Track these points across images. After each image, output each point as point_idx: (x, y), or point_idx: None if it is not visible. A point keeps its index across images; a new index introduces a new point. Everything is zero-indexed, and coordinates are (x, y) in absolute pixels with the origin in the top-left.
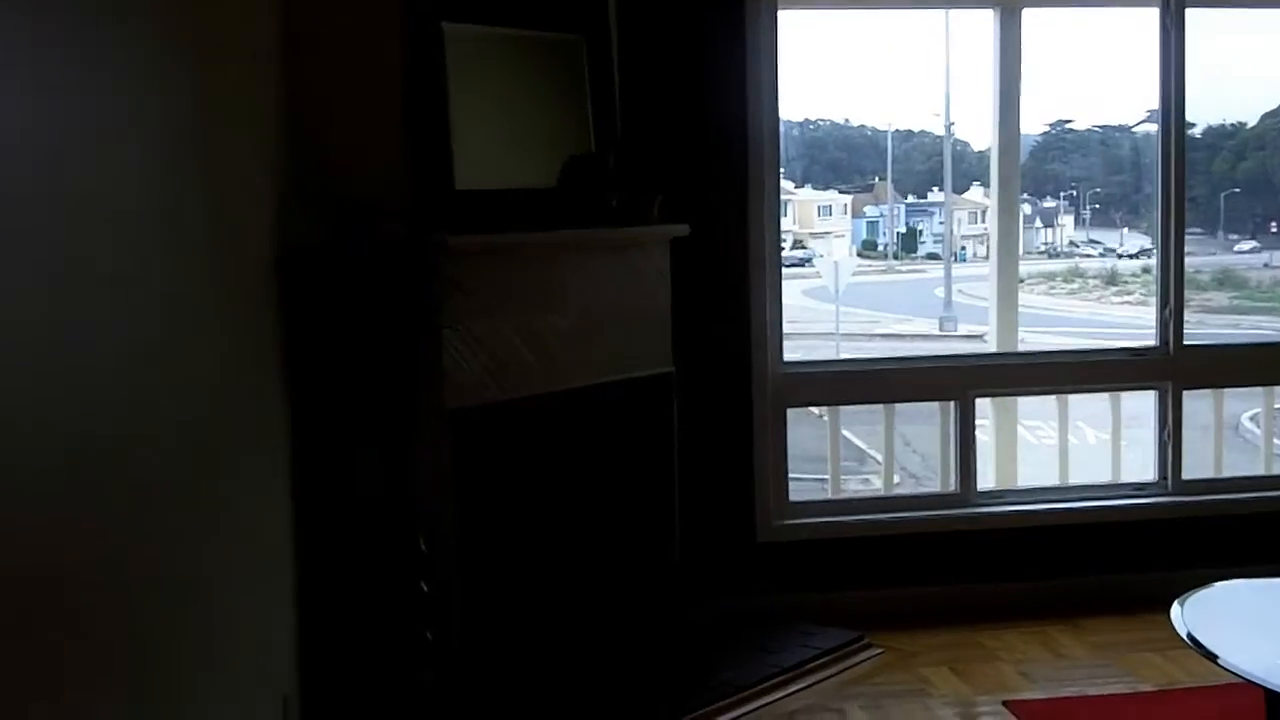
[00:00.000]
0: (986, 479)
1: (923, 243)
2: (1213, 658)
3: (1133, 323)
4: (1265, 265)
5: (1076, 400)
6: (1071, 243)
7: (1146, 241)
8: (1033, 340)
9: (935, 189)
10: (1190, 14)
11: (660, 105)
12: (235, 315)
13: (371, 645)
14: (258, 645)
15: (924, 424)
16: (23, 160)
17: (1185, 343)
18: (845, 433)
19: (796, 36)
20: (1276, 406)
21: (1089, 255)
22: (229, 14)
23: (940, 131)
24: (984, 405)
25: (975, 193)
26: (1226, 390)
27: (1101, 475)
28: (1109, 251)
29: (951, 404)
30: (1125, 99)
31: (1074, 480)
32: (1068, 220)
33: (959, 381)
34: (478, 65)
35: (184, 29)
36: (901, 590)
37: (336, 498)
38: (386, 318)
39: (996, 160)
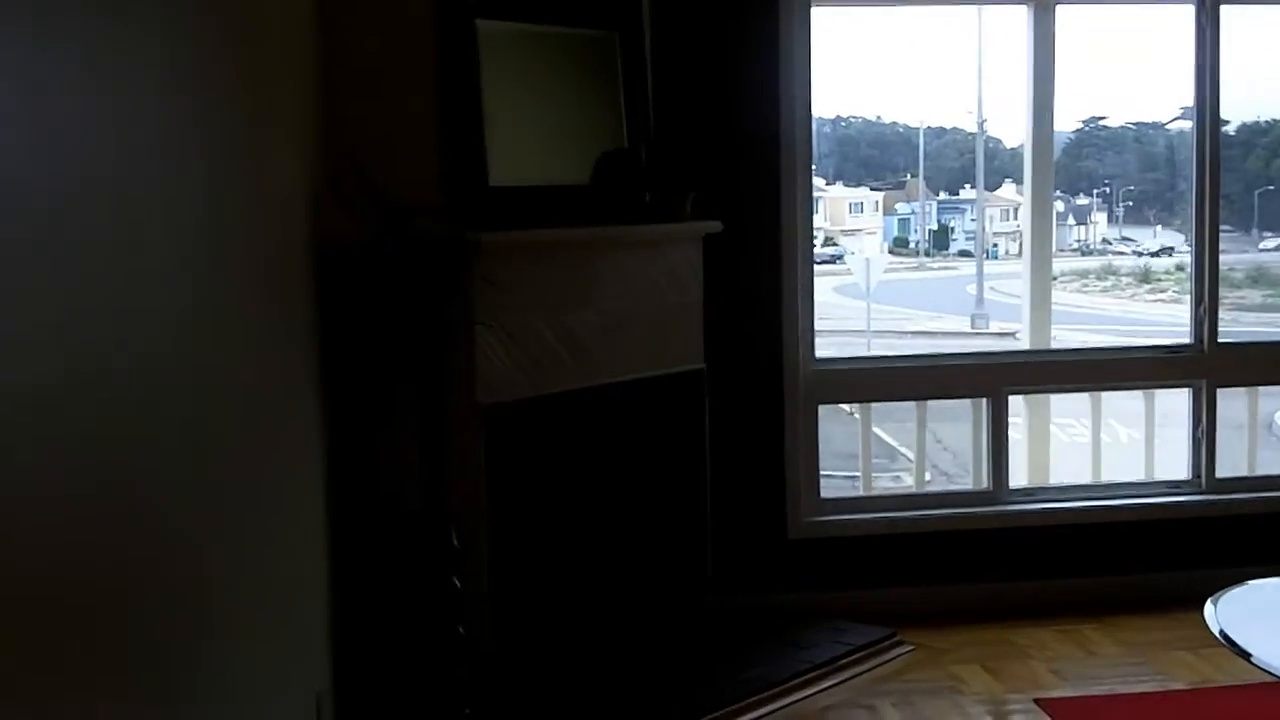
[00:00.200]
0: (1019, 477)
1: (954, 240)
2: (1246, 656)
3: (1166, 320)
4: None
5: (1108, 398)
6: (1104, 240)
7: (1175, 239)
8: (1065, 338)
9: (967, 186)
10: (1225, 10)
11: (693, 102)
12: (272, 312)
13: (404, 641)
14: (291, 641)
15: (955, 421)
16: (75, 159)
17: (1219, 340)
18: (876, 430)
19: (829, 33)
20: None
21: (1122, 253)
22: (267, 14)
23: (972, 128)
24: (1016, 403)
25: (1007, 190)
26: (1260, 388)
27: (1134, 473)
28: (1126, 246)
29: (985, 401)
30: (1159, 96)
31: (1107, 478)
32: (1101, 217)
33: (993, 378)
34: (511, 62)
35: (225, 30)
36: (933, 588)
37: (369, 493)
38: (421, 314)
39: (1030, 157)
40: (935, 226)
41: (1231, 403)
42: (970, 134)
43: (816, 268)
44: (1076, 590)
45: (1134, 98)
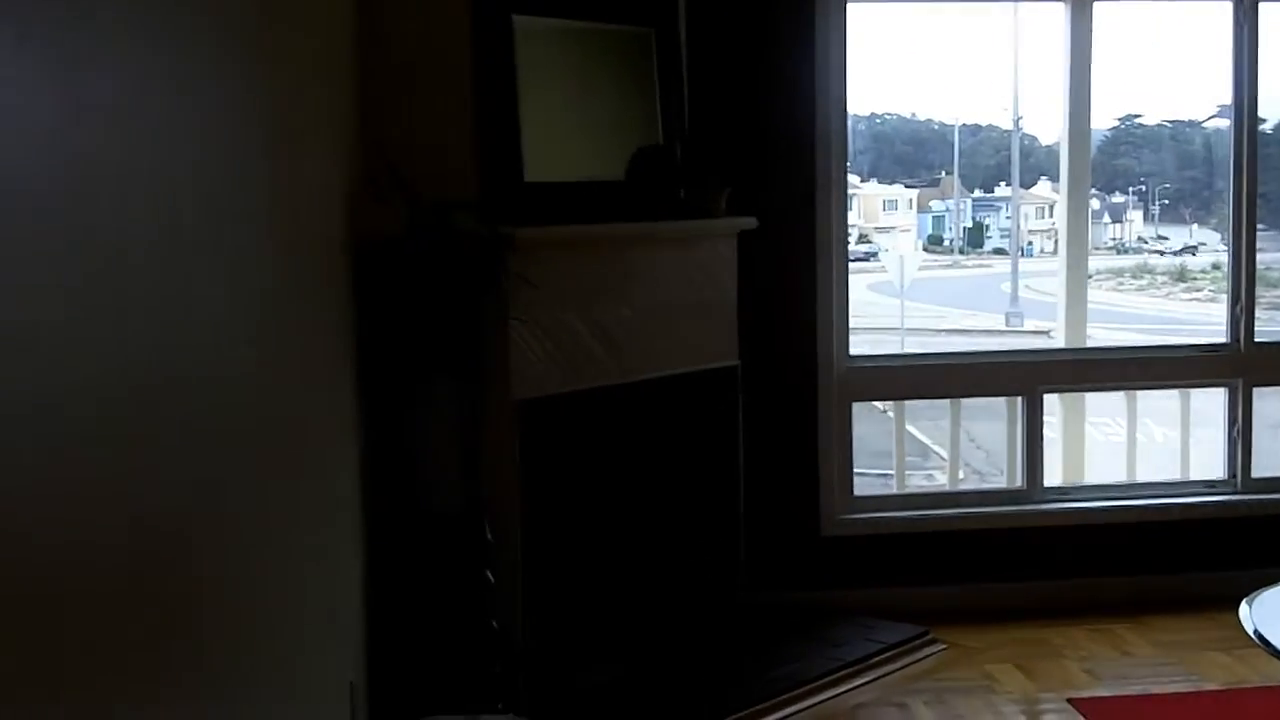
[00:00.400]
0: (1053, 475)
1: (989, 237)
2: None
3: (1201, 319)
4: None
5: (1143, 397)
6: (1140, 238)
7: (1211, 237)
8: (1100, 336)
9: (1002, 183)
10: (1264, 8)
11: (728, 98)
12: (309, 307)
13: (437, 634)
14: (325, 633)
15: (988, 420)
16: (116, 155)
17: (1256, 340)
18: (909, 428)
19: (865, 30)
20: None
21: (1158, 251)
22: (306, 10)
23: (1008, 125)
24: (1050, 401)
25: (1043, 187)
26: None
27: (1170, 473)
28: (1158, 245)
29: (1020, 399)
30: (1196, 93)
31: (1142, 478)
32: (1136, 215)
33: (1028, 377)
34: (547, 58)
35: (263, 26)
36: (966, 586)
37: (404, 488)
38: (456, 309)
39: (1066, 155)
40: (970, 224)
41: (1268, 402)
42: (1005, 131)
43: (850, 265)
44: (1110, 590)
45: (1170, 95)
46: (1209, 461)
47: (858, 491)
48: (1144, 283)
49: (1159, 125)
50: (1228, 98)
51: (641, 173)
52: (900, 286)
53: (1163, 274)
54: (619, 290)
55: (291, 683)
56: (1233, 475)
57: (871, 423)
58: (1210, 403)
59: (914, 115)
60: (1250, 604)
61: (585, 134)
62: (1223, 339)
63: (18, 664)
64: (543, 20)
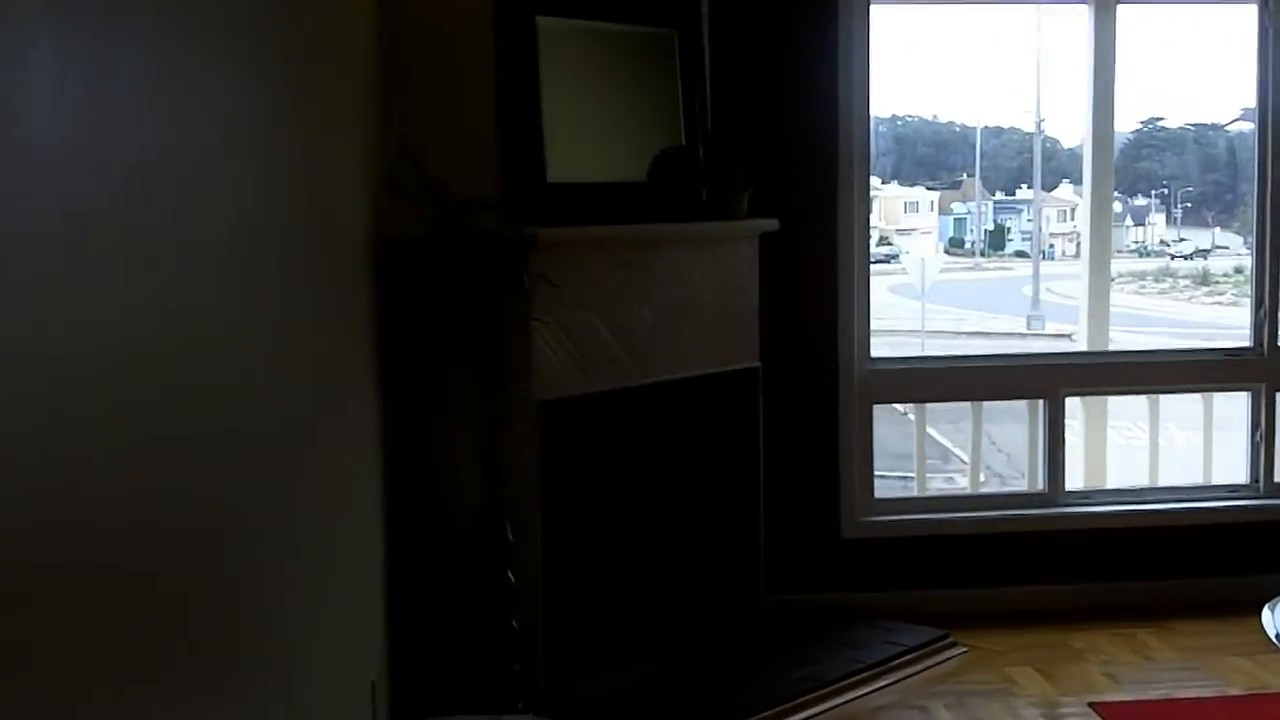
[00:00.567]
0: (1075, 479)
1: (1010, 240)
2: None
3: (1224, 323)
4: None
5: (1165, 400)
6: (1162, 241)
7: (1234, 241)
8: (1122, 340)
9: (1024, 186)
10: None
11: (751, 100)
12: (332, 306)
13: (458, 633)
14: (347, 630)
15: (1009, 423)
16: (141, 155)
17: (1279, 344)
18: (929, 431)
19: (887, 31)
20: None
21: (1169, 255)
22: (330, 15)
23: (1030, 128)
24: (1072, 405)
25: (1064, 190)
26: None
27: (1192, 477)
28: (1163, 250)
29: (1041, 403)
30: (1219, 96)
31: (1164, 482)
32: (1159, 219)
33: (1051, 380)
34: (571, 59)
35: (288, 26)
36: (987, 589)
37: (425, 486)
38: (478, 309)
39: (1089, 157)
40: (991, 226)
41: None
42: (1028, 134)
43: (871, 267)
44: (1132, 594)
45: (1193, 98)
46: (1232, 466)
47: (878, 494)
48: (1166, 286)
49: (1182, 128)
50: (1251, 100)
51: (664, 174)
52: (921, 289)
53: (1185, 277)
54: (641, 291)
55: (314, 682)
56: (1255, 480)
57: (892, 425)
58: (1233, 407)
59: (936, 117)
60: (1273, 609)
61: (608, 135)
62: (1246, 343)
63: (37, 665)
64: (566, 21)
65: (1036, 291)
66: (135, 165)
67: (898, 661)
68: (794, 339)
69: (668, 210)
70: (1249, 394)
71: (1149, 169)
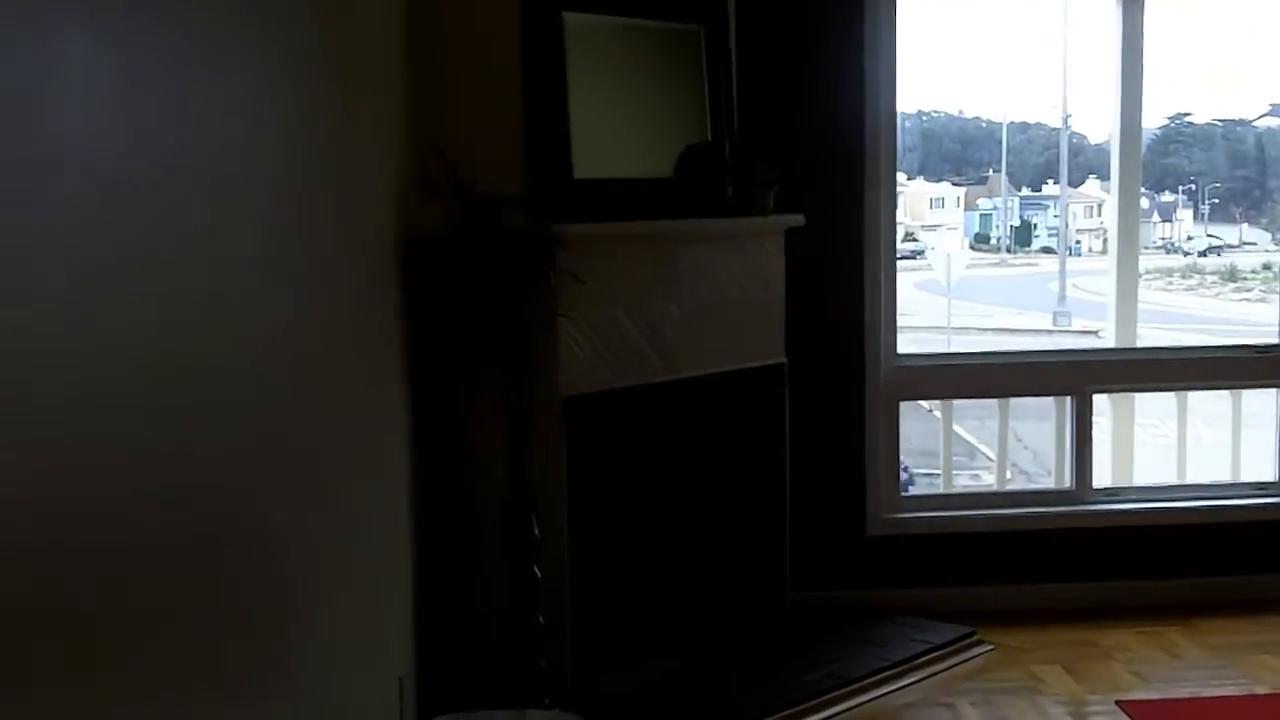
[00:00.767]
0: (1102, 476)
1: (1036, 236)
2: None
3: (1252, 320)
4: None
5: (1192, 397)
6: (1189, 238)
7: (1261, 237)
8: (1149, 336)
9: (1050, 182)
10: None
11: (777, 95)
12: (362, 302)
13: (485, 628)
14: (375, 627)
15: (1035, 420)
16: (172, 152)
17: None
18: (955, 427)
19: (913, 26)
20: None
21: (1182, 251)
22: (361, 13)
23: (1056, 123)
24: (1099, 402)
25: (1091, 186)
26: None
27: (1219, 474)
28: (1174, 245)
29: (1069, 399)
30: (1247, 91)
31: (1192, 479)
32: (1186, 215)
33: (1078, 377)
34: (597, 55)
35: (318, 24)
36: (1013, 587)
37: (452, 482)
38: (504, 305)
39: (1117, 152)
40: (1017, 222)
41: None
42: (1054, 129)
43: (897, 263)
44: (1159, 591)
45: (1221, 93)
46: (1260, 463)
47: (904, 491)
48: (1193, 282)
49: (1209, 124)
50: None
51: (690, 170)
52: (947, 285)
53: (1212, 274)
54: (667, 287)
55: (345, 679)
56: None
57: (915, 421)
58: (1261, 404)
59: (961, 113)
60: None
61: (634, 131)
62: (1274, 339)
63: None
64: (592, 17)
65: (1063, 288)
66: (166, 160)
67: (923, 659)
68: (820, 335)
69: (694, 206)
70: (1278, 391)
71: (1176, 165)
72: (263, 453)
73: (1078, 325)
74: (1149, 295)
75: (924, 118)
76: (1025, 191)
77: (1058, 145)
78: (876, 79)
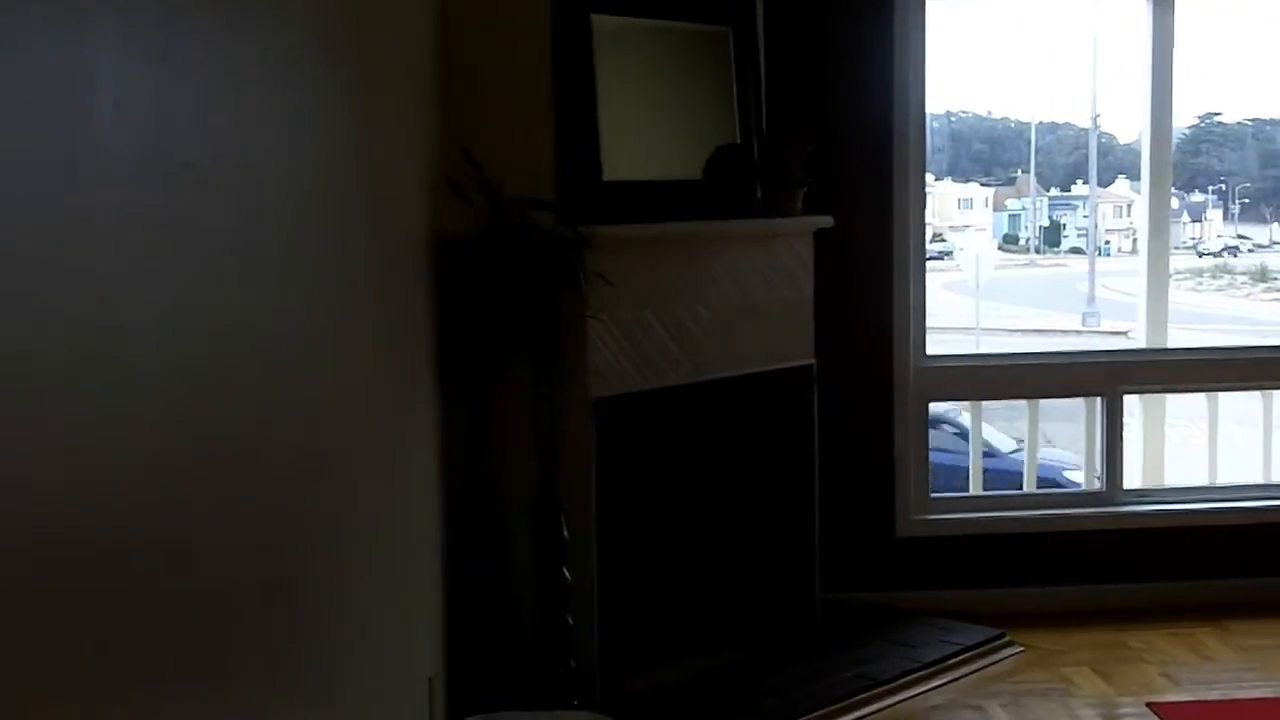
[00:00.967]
0: (1132, 477)
1: (1065, 236)
2: None
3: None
4: None
5: (1223, 398)
6: (1217, 235)
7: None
8: (1178, 336)
9: (1079, 182)
10: None
11: (806, 97)
12: (392, 304)
13: (514, 630)
14: (405, 629)
15: (1063, 420)
16: (205, 152)
17: None
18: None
19: (942, 27)
20: None
21: (1206, 253)
22: (388, 8)
23: (1085, 123)
24: (1129, 403)
25: (1120, 186)
26: None
27: (1250, 475)
28: (1190, 245)
29: (1099, 400)
30: (1277, 91)
31: (1223, 480)
32: (1215, 215)
33: (1109, 377)
34: (625, 57)
35: (347, 25)
36: (1043, 589)
37: (482, 483)
38: (534, 306)
39: (1148, 152)
40: (1046, 223)
41: None
42: (1083, 129)
43: (926, 264)
44: (1190, 593)
45: (1251, 93)
46: None
47: (934, 492)
48: (1223, 283)
49: (1240, 123)
50: None
51: (719, 172)
52: (976, 286)
53: (1242, 274)
54: (695, 289)
55: (376, 680)
56: None
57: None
58: None
59: (990, 113)
60: None
61: (663, 133)
62: None
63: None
64: (622, 19)
65: (1092, 288)
66: (201, 165)
67: (953, 661)
68: (849, 336)
69: (723, 208)
70: None
71: (1206, 164)
72: (302, 458)
73: (1107, 326)
74: (1179, 295)
75: (952, 118)
76: (1054, 192)
77: (1087, 145)
78: (905, 80)
